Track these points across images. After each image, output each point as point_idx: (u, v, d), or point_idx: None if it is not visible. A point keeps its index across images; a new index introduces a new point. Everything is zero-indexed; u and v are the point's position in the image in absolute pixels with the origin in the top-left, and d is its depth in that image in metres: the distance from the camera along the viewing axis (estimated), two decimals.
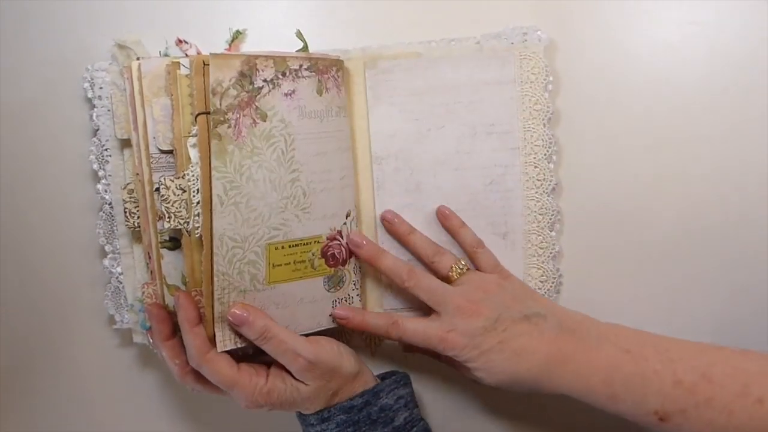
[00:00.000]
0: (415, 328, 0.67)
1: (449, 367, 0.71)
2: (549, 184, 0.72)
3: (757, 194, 0.73)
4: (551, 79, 0.71)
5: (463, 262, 0.70)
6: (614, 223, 0.75)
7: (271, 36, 0.72)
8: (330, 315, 0.69)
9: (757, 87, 0.72)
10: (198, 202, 0.62)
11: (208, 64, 0.60)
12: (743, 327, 0.75)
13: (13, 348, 0.75)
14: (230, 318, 0.63)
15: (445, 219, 0.72)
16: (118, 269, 0.71)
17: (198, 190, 0.62)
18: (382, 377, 0.71)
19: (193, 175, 0.62)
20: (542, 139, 0.72)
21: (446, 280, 0.69)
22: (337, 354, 0.66)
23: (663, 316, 0.75)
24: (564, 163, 0.74)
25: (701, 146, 0.73)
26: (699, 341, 0.64)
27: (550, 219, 0.73)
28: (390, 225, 0.71)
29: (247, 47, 0.72)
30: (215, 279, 0.62)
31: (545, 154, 0.72)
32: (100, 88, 0.69)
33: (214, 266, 0.62)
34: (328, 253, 0.68)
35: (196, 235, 0.62)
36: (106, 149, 0.69)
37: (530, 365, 0.64)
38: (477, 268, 0.71)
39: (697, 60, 0.73)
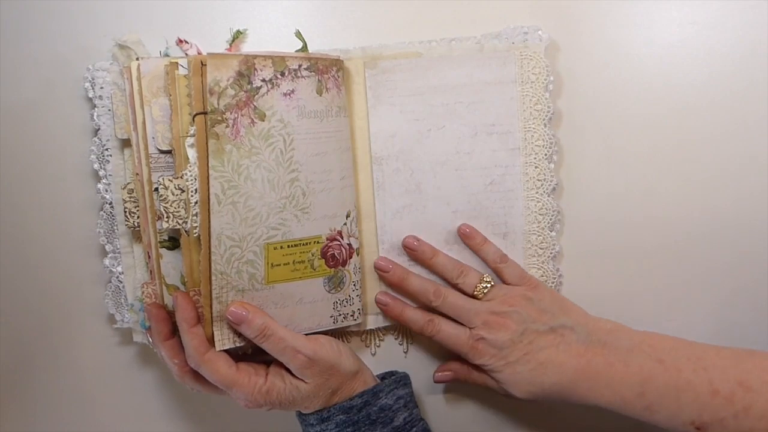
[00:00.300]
0: (449, 330, 0.69)
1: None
2: (549, 185, 0.72)
3: (758, 194, 0.73)
4: (552, 79, 0.71)
5: (488, 278, 0.70)
6: (614, 223, 0.74)
7: (271, 36, 0.72)
8: (331, 316, 0.69)
9: (756, 87, 0.72)
10: (196, 202, 0.61)
11: (206, 64, 0.60)
12: (743, 327, 0.74)
13: (13, 347, 0.75)
14: (229, 316, 0.63)
15: (467, 237, 0.72)
16: (119, 268, 0.71)
17: (196, 189, 0.61)
18: (382, 377, 0.70)
19: (191, 175, 0.61)
20: (543, 140, 0.71)
21: (473, 297, 0.70)
22: (336, 352, 0.65)
23: (663, 316, 0.75)
24: (564, 164, 0.74)
25: (701, 146, 0.73)
26: (735, 347, 0.64)
27: (551, 219, 0.72)
28: (413, 251, 0.72)
29: (248, 47, 0.72)
30: (213, 278, 0.62)
31: (546, 155, 0.71)
32: (101, 88, 0.68)
33: (212, 265, 0.62)
34: (328, 254, 0.67)
35: (195, 235, 0.62)
36: (106, 149, 0.69)
37: (556, 378, 0.65)
38: (503, 282, 0.71)
39: (697, 60, 0.72)
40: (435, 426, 0.73)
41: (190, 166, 0.61)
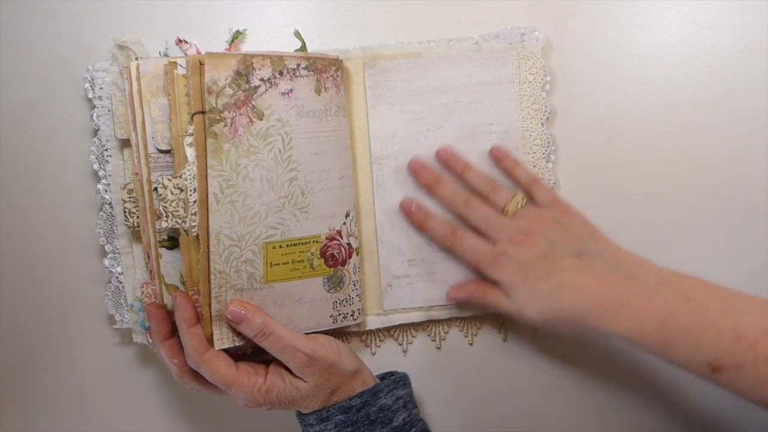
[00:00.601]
0: (472, 242, 0.68)
1: (449, 368, 0.71)
2: (547, 183, 0.71)
3: (757, 194, 0.72)
4: (549, 79, 0.71)
5: (521, 196, 0.68)
6: (613, 223, 0.72)
7: (271, 36, 0.72)
8: (330, 316, 0.68)
9: (756, 87, 0.72)
10: (195, 201, 0.61)
11: (204, 64, 0.60)
12: None
13: (13, 347, 0.75)
14: (228, 315, 0.63)
15: (498, 160, 0.70)
16: (118, 269, 0.70)
17: (195, 189, 0.61)
18: (381, 377, 0.70)
19: (190, 174, 0.61)
20: (541, 139, 0.71)
21: (503, 214, 0.68)
22: (336, 351, 0.65)
23: None
24: (561, 163, 0.73)
25: (700, 146, 0.72)
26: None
27: None
28: (446, 162, 0.70)
29: (248, 47, 0.72)
30: (212, 277, 0.62)
31: (544, 154, 0.71)
32: (101, 88, 0.68)
33: (211, 264, 0.62)
34: (328, 253, 0.67)
35: (194, 234, 0.62)
36: (106, 149, 0.69)
37: (576, 302, 0.62)
38: (535, 205, 0.69)
39: (697, 60, 0.72)
40: (434, 426, 0.72)
41: (189, 166, 0.61)
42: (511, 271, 0.65)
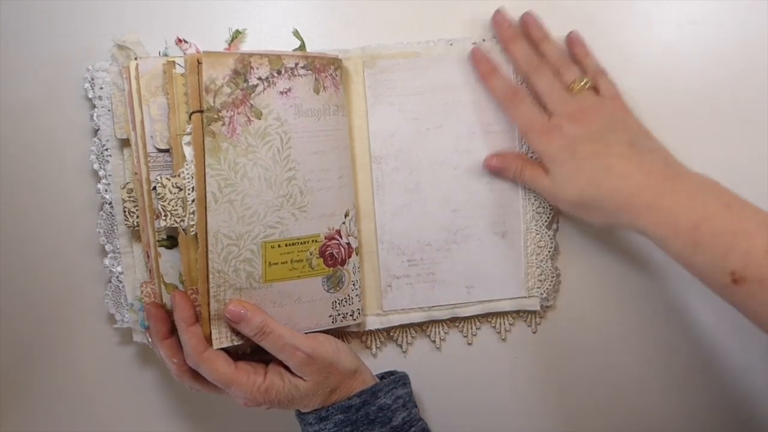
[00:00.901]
0: (529, 108, 0.67)
1: (448, 368, 0.71)
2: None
3: (757, 194, 0.68)
4: None
5: (587, 79, 0.67)
6: None
7: (271, 36, 0.71)
8: (330, 315, 0.68)
9: (756, 87, 0.71)
10: (193, 200, 0.61)
11: (202, 63, 0.59)
12: (745, 323, 0.73)
13: (13, 346, 0.74)
14: (227, 315, 0.62)
15: (572, 45, 0.69)
16: (119, 268, 0.70)
17: (193, 188, 0.61)
18: (381, 377, 0.70)
19: (188, 173, 0.61)
20: None
21: (568, 91, 0.66)
22: (335, 350, 0.65)
23: (662, 314, 0.74)
24: None
25: (700, 146, 0.71)
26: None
27: (548, 218, 0.72)
28: (528, 26, 0.69)
29: (247, 47, 0.71)
30: (211, 277, 0.61)
31: None
32: (101, 88, 0.67)
33: (210, 264, 0.61)
34: (327, 253, 0.66)
35: (192, 233, 0.61)
36: (106, 149, 0.68)
37: (618, 188, 0.61)
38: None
39: (697, 60, 0.72)
40: (434, 426, 0.71)
41: (187, 164, 0.61)
42: (560, 145, 0.64)
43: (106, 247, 0.70)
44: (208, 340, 0.62)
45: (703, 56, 0.72)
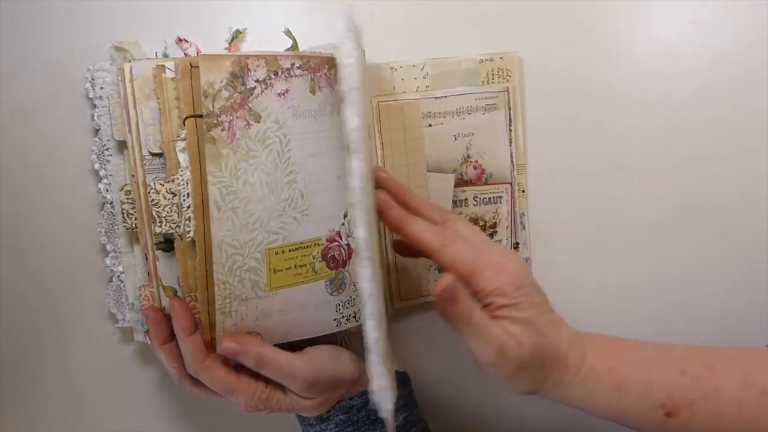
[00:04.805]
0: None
1: (448, 367, 0.68)
2: None
3: (756, 194, 0.67)
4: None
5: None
6: (612, 221, 0.70)
7: (271, 36, 0.65)
8: (334, 319, 0.62)
9: (756, 87, 0.67)
10: (189, 207, 0.54)
11: (197, 66, 0.52)
12: (741, 323, 0.70)
13: (14, 346, 0.69)
14: (222, 353, 0.55)
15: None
16: (120, 268, 0.64)
17: (188, 194, 0.54)
18: None
19: (183, 180, 0.54)
20: None
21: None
22: (337, 365, 0.59)
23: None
24: (563, 163, 0.69)
25: (700, 146, 0.67)
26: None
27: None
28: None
29: (248, 47, 0.66)
30: (216, 289, 0.54)
31: None
32: (101, 88, 0.62)
33: (215, 275, 0.54)
34: (329, 255, 0.60)
35: (188, 240, 0.55)
36: (106, 149, 0.62)
37: (558, 342, 0.53)
38: None
39: (697, 60, 0.67)
40: (434, 426, 0.67)
41: (182, 171, 0.54)
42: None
43: (107, 246, 0.65)
44: (210, 346, 0.56)
45: (703, 56, 0.67)
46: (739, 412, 0.50)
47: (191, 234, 0.54)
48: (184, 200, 0.54)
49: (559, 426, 0.73)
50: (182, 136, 0.54)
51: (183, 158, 0.53)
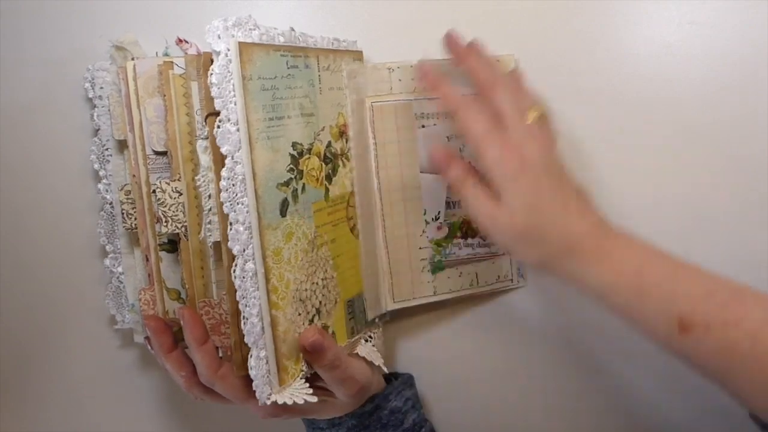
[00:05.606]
0: (486, 117, 0.53)
1: (449, 367, 0.67)
2: None
3: (756, 194, 0.66)
4: None
5: (542, 110, 0.56)
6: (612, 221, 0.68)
7: None
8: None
9: (756, 87, 0.65)
10: (210, 209, 0.52)
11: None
12: None
13: (13, 347, 0.68)
14: (307, 346, 0.52)
15: (517, 78, 0.60)
16: (119, 269, 0.63)
17: (210, 195, 0.51)
18: (387, 379, 0.64)
19: (205, 181, 0.51)
20: None
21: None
22: (369, 373, 0.58)
23: None
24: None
25: (700, 146, 0.66)
26: None
27: None
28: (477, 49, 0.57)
29: None
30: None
31: None
32: (101, 88, 0.60)
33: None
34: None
35: (209, 244, 0.53)
36: (106, 149, 0.61)
37: (570, 227, 0.52)
38: None
39: (696, 60, 0.65)
40: (435, 426, 0.67)
41: (203, 171, 0.51)
42: (517, 166, 0.52)
43: (107, 247, 0.63)
44: (242, 367, 0.52)
45: (703, 56, 0.65)
46: (753, 347, 0.46)
47: (213, 237, 0.52)
48: (206, 202, 0.52)
49: (561, 425, 0.72)
50: (204, 134, 0.51)
51: (205, 159, 0.51)
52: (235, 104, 0.47)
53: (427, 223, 0.63)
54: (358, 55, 0.61)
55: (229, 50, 0.47)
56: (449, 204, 0.64)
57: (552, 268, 0.52)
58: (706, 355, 0.48)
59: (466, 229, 0.64)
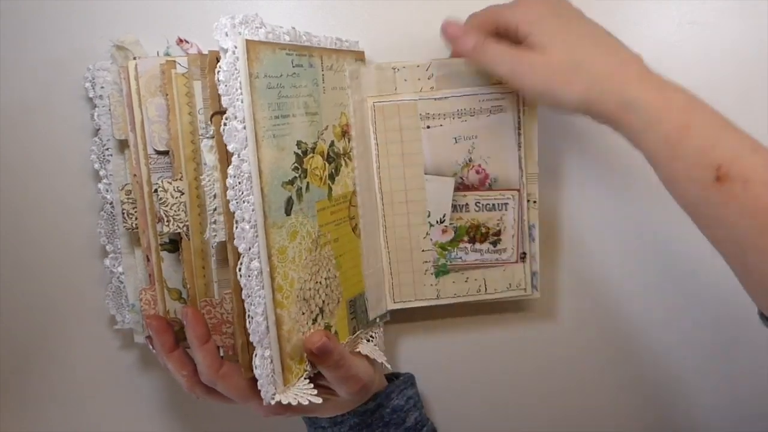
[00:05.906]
0: None
1: (449, 367, 0.67)
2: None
3: None
4: None
5: None
6: (612, 221, 0.69)
7: None
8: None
9: (756, 87, 0.65)
10: (215, 209, 0.51)
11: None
12: (741, 329, 0.69)
13: (14, 348, 0.67)
14: (313, 349, 0.51)
15: None
16: (119, 269, 0.62)
17: (215, 195, 0.51)
18: (388, 378, 0.64)
19: (210, 180, 0.50)
20: None
21: None
22: (372, 371, 0.58)
23: (663, 312, 0.69)
24: (563, 166, 0.68)
25: None
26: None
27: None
28: None
29: None
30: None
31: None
32: (101, 87, 0.60)
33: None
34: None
35: (213, 244, 0.52)
36: (107, 149, 0.60)
37: (613, 53, 0.50)
38: None
39: (697, 60, 0.66)
40: (436, 425, 0.66)
41: (209, 171, 0.50)
42: (544, 11, 0.53)
43: (107, 247, 0.62)
44: (249, 368, 0.51)
45: (703, 56, 0.65)
46: None
47: (218, 237, 0.51)
48: (210, 202, 0.51)
49: (561, 425, 0.72)
50: (209, 134, 0.50)
51: (210, 158, 0.50)
52: (242, 102, 0.47)
53: (431, 225, 0.62)
54: (360, 55, 0.61)
55: (236, 48, 0.47)
56: (456, 207, 0.62)
57: (592, 105, 0.50)
58: (738, 213, 0.44)
59: (474, 234, 0.63)
